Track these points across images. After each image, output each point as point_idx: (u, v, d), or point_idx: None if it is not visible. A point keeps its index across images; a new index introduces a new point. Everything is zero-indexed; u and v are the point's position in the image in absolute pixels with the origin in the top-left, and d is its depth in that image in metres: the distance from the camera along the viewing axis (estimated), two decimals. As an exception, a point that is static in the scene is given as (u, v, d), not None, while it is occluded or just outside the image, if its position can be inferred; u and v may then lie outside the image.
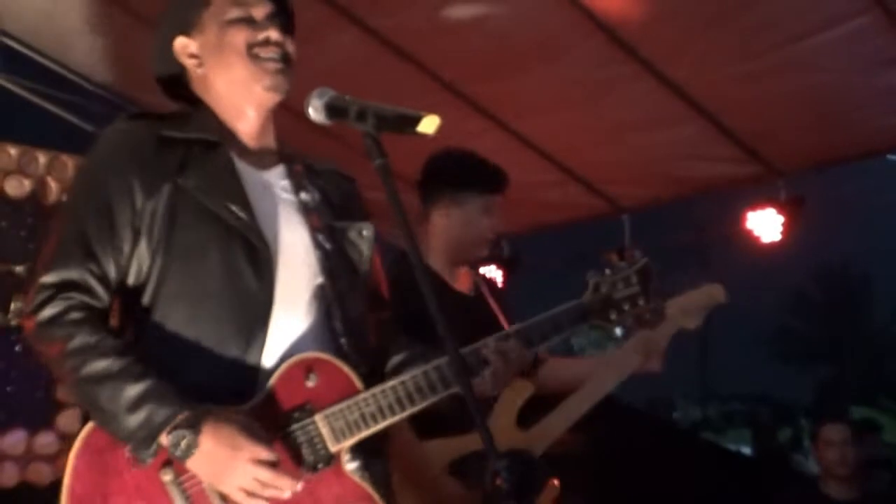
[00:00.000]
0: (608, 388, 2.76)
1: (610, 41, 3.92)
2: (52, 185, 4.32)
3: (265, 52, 1.83)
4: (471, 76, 4.28)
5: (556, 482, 2.66)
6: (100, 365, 1.66)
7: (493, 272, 5.32)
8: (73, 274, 1.71)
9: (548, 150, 4.72)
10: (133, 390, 1.64)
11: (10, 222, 4.24)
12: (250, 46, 1.83)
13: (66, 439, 4.17)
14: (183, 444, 1.61)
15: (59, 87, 4.55)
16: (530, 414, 2.68)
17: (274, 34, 1.84)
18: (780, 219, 4.64)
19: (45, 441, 4.22)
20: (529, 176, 4.69)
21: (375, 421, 1.74)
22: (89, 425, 1.70)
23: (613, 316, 1.92)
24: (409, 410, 1.77)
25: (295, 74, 1.89)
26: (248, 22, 1.84)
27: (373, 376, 1.81)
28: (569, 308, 1.92)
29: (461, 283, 2.82)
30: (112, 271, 1.74)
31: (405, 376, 1.77)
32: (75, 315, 1.69)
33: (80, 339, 1.67)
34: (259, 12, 1.86)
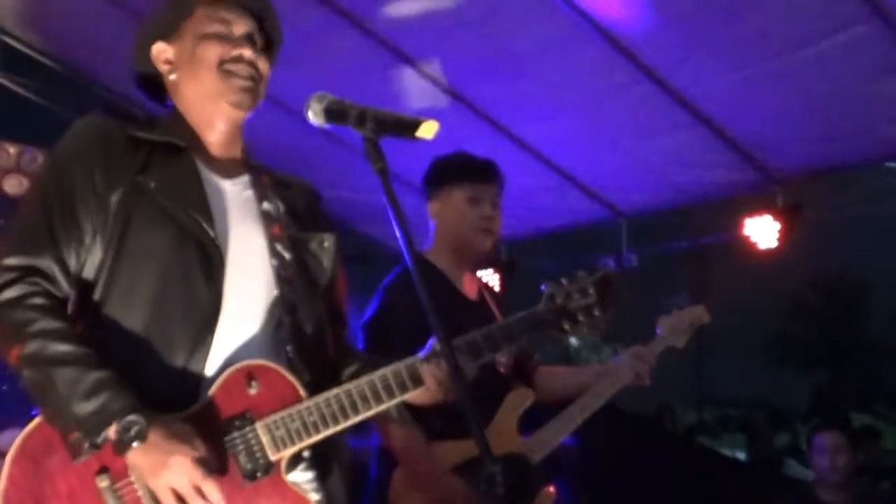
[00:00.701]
0: (604, 400, 2.81)
1: (610, 47, 3.93)
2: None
3: (235, 69, 1.85)
4: (470, 81, 4.29)
5: (551, 489, 2.67)
6: (62, 349, 1.64)
7: (490, 277, 5.34)
8: (38, 261, 1.71)
9: (546, 156, 4.74)
10: (92, 376, 1.62)
11: (8, 220, 4.24)
12: (221, 62, 1.85)
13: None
14: (133, 430, 1.59)
15: (58, 86, 4.55)
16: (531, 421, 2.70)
17: (247, 52, 1.86)
18: (778, 225, 4.65)
19: (41, 440, 4.21)
20: (528, 181, 4.71)
21: (318, 430, 1.73)
22: (26, 431, 1.68)
23: (567, 326, 1.92)
24: (352, 420, 1.75)
25: (264, 90, 1.90)
26: (224, 38, 1.87)
27: (320, 386, 1.78)
28: (521, 317, 1.91)
29: (467, 287, 2.83)
30: (73, 263, 1.74)
31: (349, 385, 1.76)
32: (38, 300, 1.68)
33: (44, 322, 1.66)
34: (238, 29, 1.88)
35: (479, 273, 3.62)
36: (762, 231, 4.70)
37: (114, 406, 1.60)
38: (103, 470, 1.64)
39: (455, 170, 2.78)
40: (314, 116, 1.72)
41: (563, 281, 1.93)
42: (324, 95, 1.72)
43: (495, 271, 5.24)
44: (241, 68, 1.86)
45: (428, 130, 1.64)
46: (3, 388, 4.18)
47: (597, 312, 1.92)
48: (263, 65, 1.89)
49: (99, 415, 1.60)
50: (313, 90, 1.77)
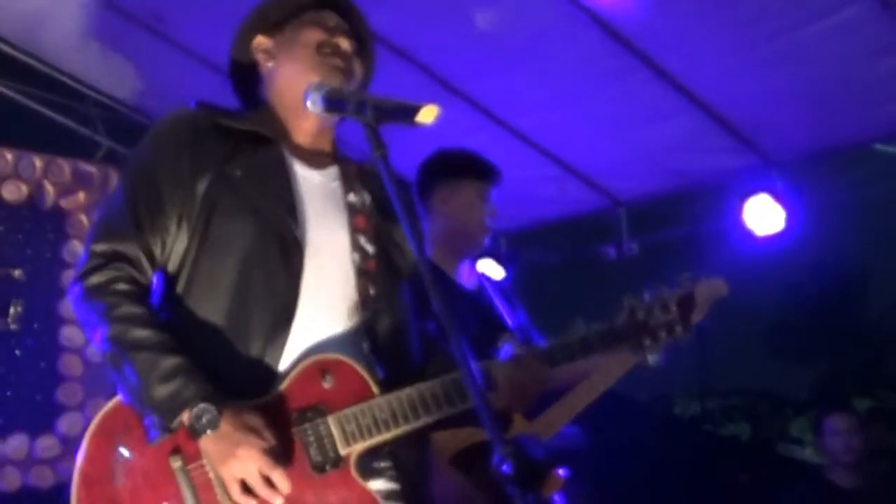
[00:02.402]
0: (611, 382, 2.80)
1: (604, 34, 3.92)
2: (49, 188, 4.31)
3: (332, 51, 1.90)
4: (465, 72, 4.28)
5: (560, 474, 2.67)
6: (141, 334, 1.69)
7: (490, 268, 5.33)
8: (124, 247, 1.75)
9: (544, 146, 4.72)
10: (168, 362, 1.66)
11: (7, 227, 4.24)
12: (321, 45, 1.90)
13: (68, 443, 4.17)
14: (205, 418, 1.62)
15: (53, 92, 4.54)
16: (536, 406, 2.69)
17: (344, 43, 1.92)
18: (777, 210, 4.63)
19: (47, 445, 4.21)
20: (526, 171, 4.70)
21: (388, 427, 1.74)
22: (106, 408, 1.72)
23: (647, 342, 1.89)
24: (424, 420, 1.76)
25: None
26: (325, 28, 1.93)
27: (397, 383, 1.79)
28: (600, 331, 1.88)
29: (463, 278, 2.85)
30: (158, 250, 1.78)
31: (423, 385, 1.77)
32: (122, 286, 1.73)
33: (126, 308, 1.71)
34: (336, 26, 1.95)
35: (481, 263, 3.61)
36: (761, 216, 4.68)
37: (187, 392, 1.64)
38: (177, 451, 1.68)
39: (469, 165, 2.84)
40: (313, 105, 1.73)
41: (646, 295, 1.90)
42: (322, 83, 1.72)
43: (498, 263, 5.23)
44: (338, 53, 1.90)
45: (428, 115, 1.64)
46: (8, 393, 4.18)
47: (678, 329, 1.89)
48: (357, 65, 1.95)
49: (172, 399, 1.64)
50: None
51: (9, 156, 4.26)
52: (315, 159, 1.93)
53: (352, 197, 1.91)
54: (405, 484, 1.81)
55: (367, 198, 1.93)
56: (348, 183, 1.93)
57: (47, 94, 4.54)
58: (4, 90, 4.49)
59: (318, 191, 1.89)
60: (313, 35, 1.91)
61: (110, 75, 4.42)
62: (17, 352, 4.22)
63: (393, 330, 1.86)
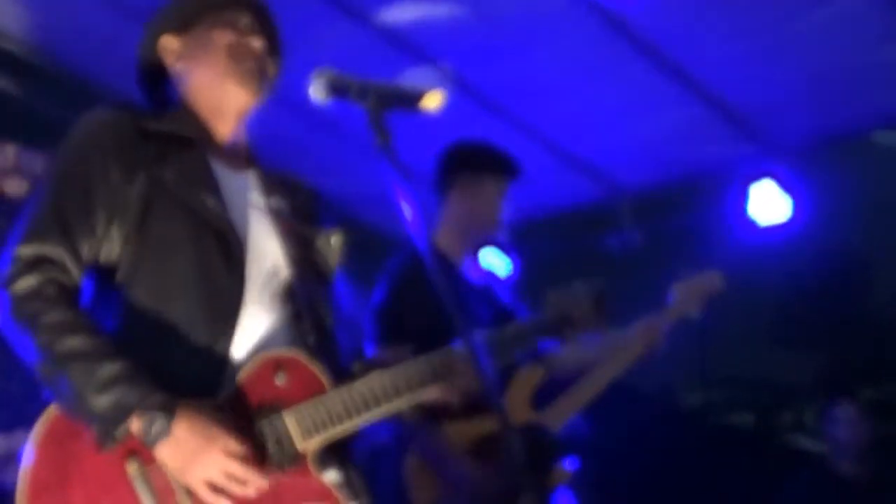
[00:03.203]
0: (617, 373, 2.81)
1: (605, 22, 3.90)
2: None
3: (243, 53, 1.89)
4: (464, 62, 4.26)
5: (567, 468, 2.67)
6: (72, 342, 1.63)
7: (495, 258, 5.31)
8: (49, 250, 1.70)
9: (544, 135, 4.70)
10: (106, 370, 1.60)
11: (10, 223, 4.23)
12: (231, 47, 1.89)
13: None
14: (154, 428, 1.58)
15: (50, 86, 4.52)
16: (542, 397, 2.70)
17: (257, 43, 1.91)
18: (781, 198, 4.62)
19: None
20: (525, 161, 4.67)
21: (342, 420, 1.73)
22: (49, 412, 1.66)
23: (569, 333, 2.11)
24: (376, 411, 1.76)
25: (270, 89, 1.97)
26: (235, 28, 1.92)
27: (338, 378, 1.80)
28: (531, 323, 2.08)
29: (471, 270, 2.85)
30: (85, 251, 1.74)
31: (375, 376, 1.78)
32: (50, 291, 1.67)
33: (54, 315, 1.65)
34: (246, 24, 1.94)
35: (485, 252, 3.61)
36: (765, 204, 4.67)
37: (129, 399, 1.59)
38: (133, 453, 1.62)
39: (492, 160, 2.86)
40: (315, 93, 1.73)
41: (565, 291, 2.13)
42: (324, 70, 1.72)
43: (496, 255, 5.21)
44: (250, 54, 1.90)
45: (432, 101, 1.64)
46: (12, 387, 4.17)
47: (593, 325, 2.14)
48: (270, 66, 1.95)
49: (115, 409, 1.59)
50: (306, 79, 1.76)
51: (10, 150, 4.25)
52: (235, 162, 1.93)
53: (273, 202, 1.92)
54: (347, 474, 1.83)
55: (287, 203, 1.94)
56: (267, 188, 1.94)
57: (43, 88, 4.52)
58: (6, 87, 4.48)
59: (242, 193, 1.89)
60: (223, 37, 1.90)
61: (108, 69, 4.40)
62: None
63: (329, 332, 1.88)
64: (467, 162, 2.92)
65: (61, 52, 4.51)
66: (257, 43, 1.92)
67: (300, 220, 1.95)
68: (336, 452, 1.80)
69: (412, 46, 4.16)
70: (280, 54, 2.05)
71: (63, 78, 4.54)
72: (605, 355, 2.85)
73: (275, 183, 1.97)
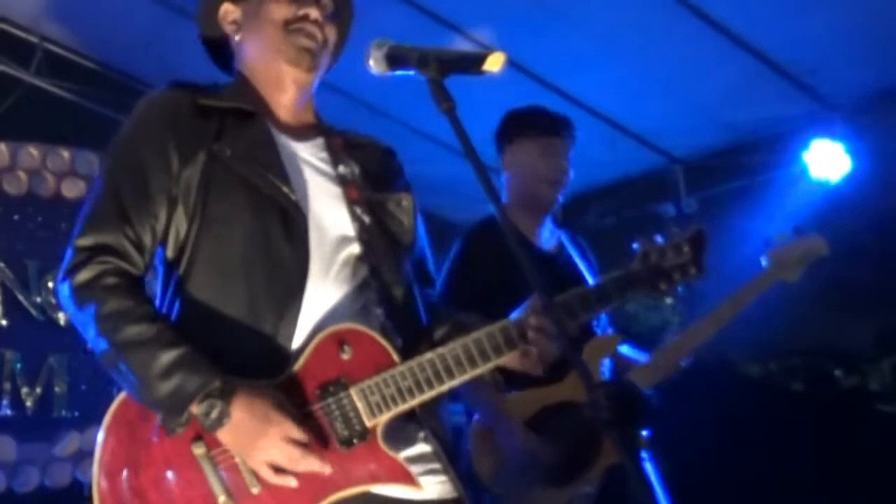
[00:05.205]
0: (702, 342, 2.75)
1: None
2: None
3: (299, 26, 1.82)
4: (510, 37, 4.21)
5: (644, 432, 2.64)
6: (133, 330, 1.63)
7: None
8: (108, 238, 1.69)
9: (594, 107, 4.64)
10: (165, 357, 1.61)
11: (69, 224, 4.30)
12: (287, 22, 1.82)
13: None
14: (213, 413, 1.57)
15: (101, 87, 4.59)
16: None
17: (313, 12, 1.83)
18: (840, 156, 4.50)
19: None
20: (577, 135, 4.63)
21: (412, 395, 1.69)
22: (119, 397, 1.68)
23: (663, 286, 1.86)
24: (447, 384, 1.71)
25: (332, 57, 1.90)
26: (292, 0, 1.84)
27: (411, 349, 1.75)
28: (616, 277, 1.85)
29: (542, 239, 2.83)
30: (147, 238, 1.73)
31: (443, 349, 1.72)
32: (110, 280, 1.67)
33: (114, 303, 1.65)
34: None
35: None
36: (823, 163, 4.56)
37: (188, 387, 1.59)
38: (198, 437, 1.62)
39: (527, 122, 2.82)
40: (375, 64, 1.70)
41: (657, 238, 1.88)
42: (383, 42, 1.69)
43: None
44: (306, 27, 1.82)
45: (495, 63, 1.61)
46: (83, 387, 4.25)
47: (692, 270, 1.86)
48: (330, 30, 1.86)
49: (175, 396, 1.59)
50: (354, 63, 1.73)
51: (65, 153, 4.32)
52: (300, 132, 1.89)
53: (341, 168, 1.86)
54: (438, 445, 1.77)
55: (356, 168, 1.88)
56: (335, 154, 1.88)
57: (94, 90, 4.58)
58: (53, 89, 4.55)
59: (307, 162, 1.85)
60: (279, 10, 1.83)
61: (153, 66, 4.45)
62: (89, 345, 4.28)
63: (403, 297, 1.81)
64: (507, 130, 2.90)
65: (112, 56, 4.57)
66: (315, 12, 1.84)
67: (372, 185, 1.89)
68: (423, 418, 1.77)
69: (454, 24, 4.14)
70: (350, 12, 1.98)
71: (113, 80, 4.60)
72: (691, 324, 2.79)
73: (345, 147, 1.91)
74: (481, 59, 1.61)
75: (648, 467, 2.67)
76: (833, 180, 4.58)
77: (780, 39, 4.07)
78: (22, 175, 4.25)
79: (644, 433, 2.65)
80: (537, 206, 2.84)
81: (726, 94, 4.38)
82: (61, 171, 4.30)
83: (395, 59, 1.68)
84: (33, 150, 4.28)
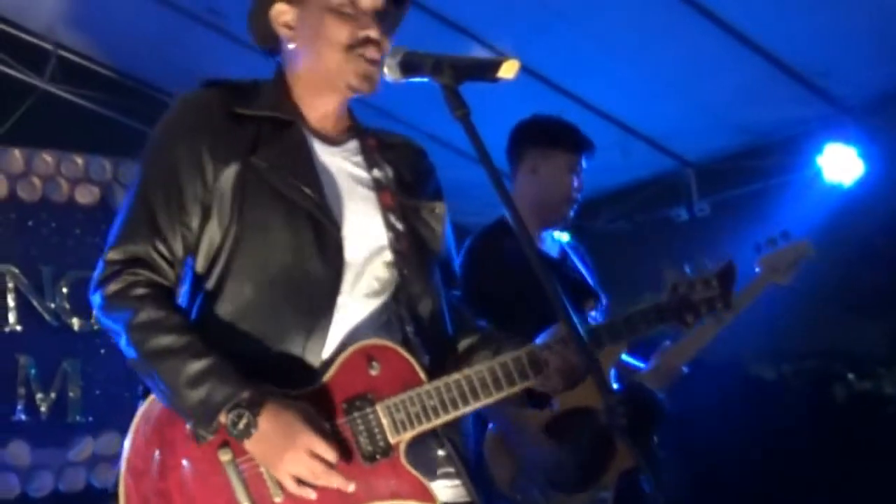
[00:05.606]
0: (702, 345, 2.77)
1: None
2: (120, 190, 4.40)
3: (362, 52, 1.79)
4: (515, 40, 4.21)
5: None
6: (163, 341, 1.64)
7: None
8: (139, 250, 1.70)
9: (603, 109, 4.64)
10: (195, 366, 1.62)
11: (83, 229, 4.33)
12: (349, 46, 1.79)
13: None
14: (241, 423, 1.59)
15: (117, 94, 4.62)
16: None
17: (374, 33, 1.79)
18: (853, 160, 4.46)
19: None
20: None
21: (437, 415, 1.70)
22: (150, 400, 1.69)
23: (689, 319, 1.85)
24: (472, 406, 1.72)
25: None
26: (351, 18, 1.80)
27: (439, 365, 1.76)
28: (644, 310, 1.84)
29: (547, 246, 2.84)
30: (179, 248, 1.73)
31: (470, 370, 1.73)
32: (140, 291, 1.68)
33: (145, 314, 1.66)
34: (367, 3, 1.81)
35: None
36: (837, 167, 4.53)
37: (217, 396, 1.60)
38: (225, 444, 1.64)
39: (561, 135, 2.84)
40: (390, 72, 1.70)
41: (687, 270, 1.87)
42: (398, 49, 1.69)
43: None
44: (368, 51, 1.80)
45: (509, 70, 1.61)
46: (97, 392, 4.28)
47: (720, 306, 1.84)
48: (387, 43, 1.82)
49: (204, 405, 1.60)
50: None
51: (79, 160, 4.36)
52: (335, 136, 1.87)
53: (376, 172, 1.85)
54: (452, 450, 1.79)
55: (390, 172, 1.87)
56: (370, 157, 1.87)
57: (110, 96, 4.61)
58: (69, 96, 4.58)
59: (343, 170, 1.83)
60: (341, 32, 1.78)
61: (169, 72, 4.47)
62: (103, 350, 4.31)
63: (431, 313, 1.81)
64: (536, 137, 2.90)
65: (126, 62, 4.60)
66: (375, 33, 1.79)
67: (405, 190, 1.87)
68: (445, 431, 1.77)
69: (465, 29, 4.14)
70: (405, 7, 1.92)
71: (127, 86, 4.63)
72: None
73: (378, 149, 1.90)
74: (496, 65, 1.61)
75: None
76: (846, 184, 4.56)
77: (791, 41, 4.05)
78: (36, 181, 4.29)
79: (656, 438, 2.65)
80: (552, 218, 2.86)
81: (738, 97, 4.36)
82: (75, 178, 4.34)
83: (409, 67, 1.67)
84: (47, 157, 4.32)
